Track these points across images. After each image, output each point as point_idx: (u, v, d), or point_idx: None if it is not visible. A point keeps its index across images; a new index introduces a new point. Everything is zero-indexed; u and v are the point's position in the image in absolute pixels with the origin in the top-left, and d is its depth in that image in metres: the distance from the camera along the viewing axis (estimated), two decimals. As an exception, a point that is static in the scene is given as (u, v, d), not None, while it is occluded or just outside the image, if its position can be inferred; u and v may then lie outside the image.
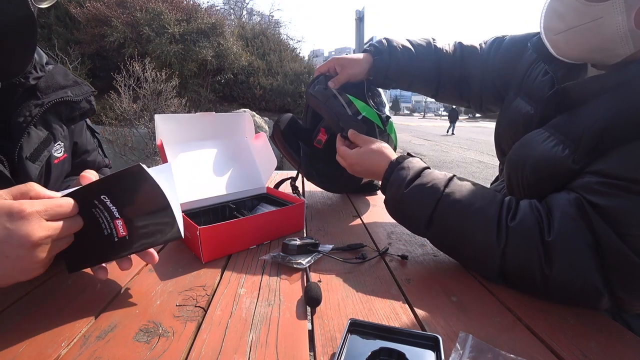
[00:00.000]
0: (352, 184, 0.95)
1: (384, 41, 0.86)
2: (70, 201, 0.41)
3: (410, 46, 0.86)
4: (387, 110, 0.85)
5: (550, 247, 0.46)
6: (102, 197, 0.42)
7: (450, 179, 0.59)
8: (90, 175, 0.47)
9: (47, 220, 0.38)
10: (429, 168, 0.63)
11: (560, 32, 0.54)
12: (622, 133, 0.45)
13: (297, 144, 0.88)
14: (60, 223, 0.39)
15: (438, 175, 0.60)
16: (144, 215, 0.43)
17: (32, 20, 0.49)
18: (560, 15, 0.53)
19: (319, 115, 0.88)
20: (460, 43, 0.88)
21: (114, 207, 0.42)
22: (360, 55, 0.85)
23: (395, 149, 0.85)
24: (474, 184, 0.58)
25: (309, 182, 1.00)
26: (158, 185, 0.42)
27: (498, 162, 0.86)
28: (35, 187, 0.40)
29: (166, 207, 0.43)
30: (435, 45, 0.87)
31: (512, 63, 0.77)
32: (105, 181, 0.42)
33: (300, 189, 1.09)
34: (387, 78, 0.86)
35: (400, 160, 0.64)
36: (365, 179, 0.75)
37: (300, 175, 0.88)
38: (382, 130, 0.81)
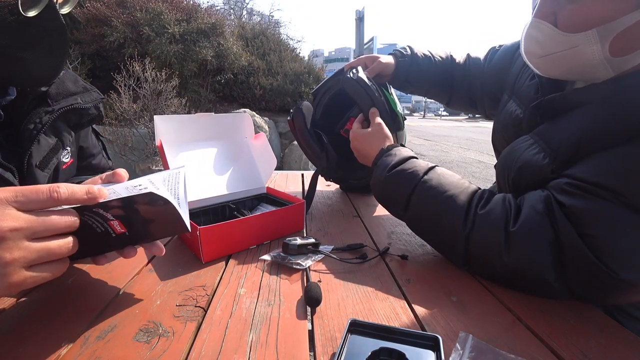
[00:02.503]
0: (367, 179, 0.94)
1: (407, 47, 0.94)
2: (63, 217, 0.34)
3: (430, 55, 0.93)
4: (400, 108, 0.91)
5: (512, 236, 0.48)
6: (94, 209, 0.38)
7: (432, 168, 0.62)
8: (123, 174, 0.45)
9: (28, 239, 0.32)
10: (415, 158, 0.65)
11: (541, 57, 0.55)
12: (594, 143, 0.48)
13: (318, 133, 0.88)
14: (42, 244, 0.33)
15: (421, 163, 0.63)
16: (145, 219, 0.42)
17: (64, 31, 0.49)
18: (539, 42, 0.54)
19: (332, 108, 0.91)
20: (468, 54, 0.95)
21: (107, 214, 0.39)
22: (386, 56, 0.92)
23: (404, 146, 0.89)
24: (453, 175, 0.61)
25: (309, 182, 0.99)
26: (165, 199, 0.39)
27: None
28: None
29: (171, 208, 0.41)
30: (451, 56, 0.95)
31: (506, 68, 0.81)
32: (104, 202, 0.38)
33: (301, 187, 1.09)
34: (407, 81, 0.93)
35: (390, 147, 0.69)
36: (359, 160, 0.78)
37: (324, 165, 0.88)
38: (401, 124, 0.87)
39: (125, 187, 0.41)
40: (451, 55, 0.95)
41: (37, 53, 0.49)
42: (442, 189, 0.57)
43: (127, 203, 0.38)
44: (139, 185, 0.41)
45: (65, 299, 0.47)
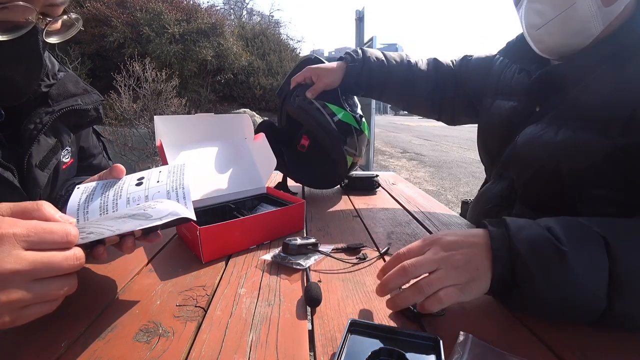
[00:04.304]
0: (339, 177, 0.98)
1: (359, 51, 0.92)
2: (69, 259, 0.34)
3: (383, 58, 0.92)
4: (359, 110, 0.94)
5: None
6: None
7: (579, 219, 0.42)
8: (120, 169, 0.48)
9: (29, 281, 0.31)
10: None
11: (542, 26, 0.59)
12: None
13: (280, 149, 0.90)
14: (41, 290, 0.32)
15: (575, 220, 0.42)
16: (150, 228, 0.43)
17: (39, 59, 0.50)
18: (539, 11, 0.59)
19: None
20: (435, 58, 0.96)
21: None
22: (334, 64, 0.91)
23: (368, 143, 0.96)
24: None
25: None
26: (169, 221, 0.42)
27: None
28: (43, 208, 0.35)
29: (177, 220, 0.43)
30: (408, 61, 0.94)
31: (484, 74, 0.84)
32: (110, 238, 0.39)
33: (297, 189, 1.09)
34: (357, 85, 0.91)
35: (494, 223, 0.43)
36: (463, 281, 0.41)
37: (287, 179, 0.96)
38: (358, 129, 0.90)
39: (125, 200, 0.44)
40: (408, 60, 0.94)
41: (11, 72, 0.49)
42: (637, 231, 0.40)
43: (132, 234, 0.41)
44: (140, 179, 0.44)
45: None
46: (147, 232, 0.45)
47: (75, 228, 0.35)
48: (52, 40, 0.52)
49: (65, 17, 0.52)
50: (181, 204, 0.45)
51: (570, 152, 0.55)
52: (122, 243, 0.43)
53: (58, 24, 0.51)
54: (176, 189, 0.47)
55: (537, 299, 0.39)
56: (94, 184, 0.48)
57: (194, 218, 0.45)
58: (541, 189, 0.61)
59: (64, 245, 0.34)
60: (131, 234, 0.43)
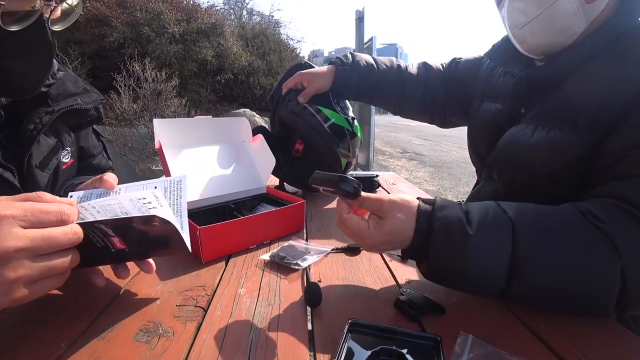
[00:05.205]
0: None
1: (349, 55, 0.93)
2: (67, 234, 0.35)
3: (373, 63, 0.93)
4: (351, 112, 0.96)
5: None
6: (96, 224, 0.38)
7: (501, 205, 0.46)
8: (111, 180, 0.46)
9: (32, 257, 0.33)
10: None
11: (525, 25, 0.59)
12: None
13: (275, 155, 0.91)
14: (45, 263, 0.33)
15: (484, 205, 0.46)
16: (147, 238, 0.42)
17: (49, 47, 0.50)
18: (522, 10, 0.59)
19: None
20: (424, 62, 0.96)
21: (109, 230, 0.39)
22: (324, 68, 0.91)
23: (361, 144, 0.97)
24: (521, 204, 0.46)
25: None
26: (169, 223, 0.39)
27: None
28: (44, 197, 0.36)
29: (175, 232, 0.41)
30: (398, 65, 0.95)
31: (472, 77, 0.85)
32: (109, 220, 0.39)
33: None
34: (346, 89, 0.92)
35: (427, 203, 0.46)
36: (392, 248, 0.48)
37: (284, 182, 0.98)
38: (351, 131, 0.92)
39: (129, 199, 0.41)
40: (398, 65, 0.95)
41: (20, 64, 0.49)
42: (546, 220, 0.44)
43: (131, 222, 0.39)
44: (143, 199, 0.42)
45: (65, 299, 0.47)
46: (141, 259, 0.46)
47: (71, 207, 0.36)
48: (56, 27, 0.52)
49: (64, 5, 0.51)
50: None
51: (545, 153, 0.55)
52: (117, 270, 0.45)
53: (58, 12, 0.51)
54: (173, 214, 0.45)
55: (442, 272, 0.45)
56: (86, 192, 0.45)
57: (189, 249, 0.43)
58: (520, 191, 0.60)
59: (60, 224, 0.35)
60: (125, 263, 0.44)
